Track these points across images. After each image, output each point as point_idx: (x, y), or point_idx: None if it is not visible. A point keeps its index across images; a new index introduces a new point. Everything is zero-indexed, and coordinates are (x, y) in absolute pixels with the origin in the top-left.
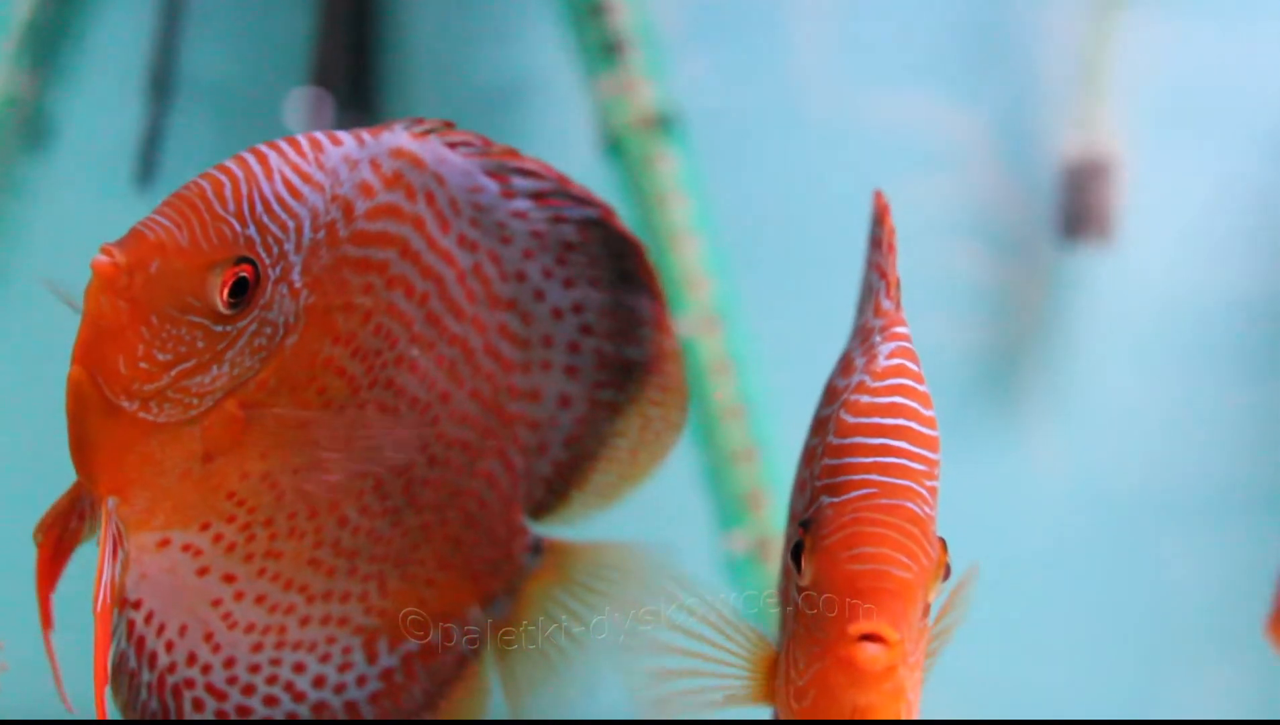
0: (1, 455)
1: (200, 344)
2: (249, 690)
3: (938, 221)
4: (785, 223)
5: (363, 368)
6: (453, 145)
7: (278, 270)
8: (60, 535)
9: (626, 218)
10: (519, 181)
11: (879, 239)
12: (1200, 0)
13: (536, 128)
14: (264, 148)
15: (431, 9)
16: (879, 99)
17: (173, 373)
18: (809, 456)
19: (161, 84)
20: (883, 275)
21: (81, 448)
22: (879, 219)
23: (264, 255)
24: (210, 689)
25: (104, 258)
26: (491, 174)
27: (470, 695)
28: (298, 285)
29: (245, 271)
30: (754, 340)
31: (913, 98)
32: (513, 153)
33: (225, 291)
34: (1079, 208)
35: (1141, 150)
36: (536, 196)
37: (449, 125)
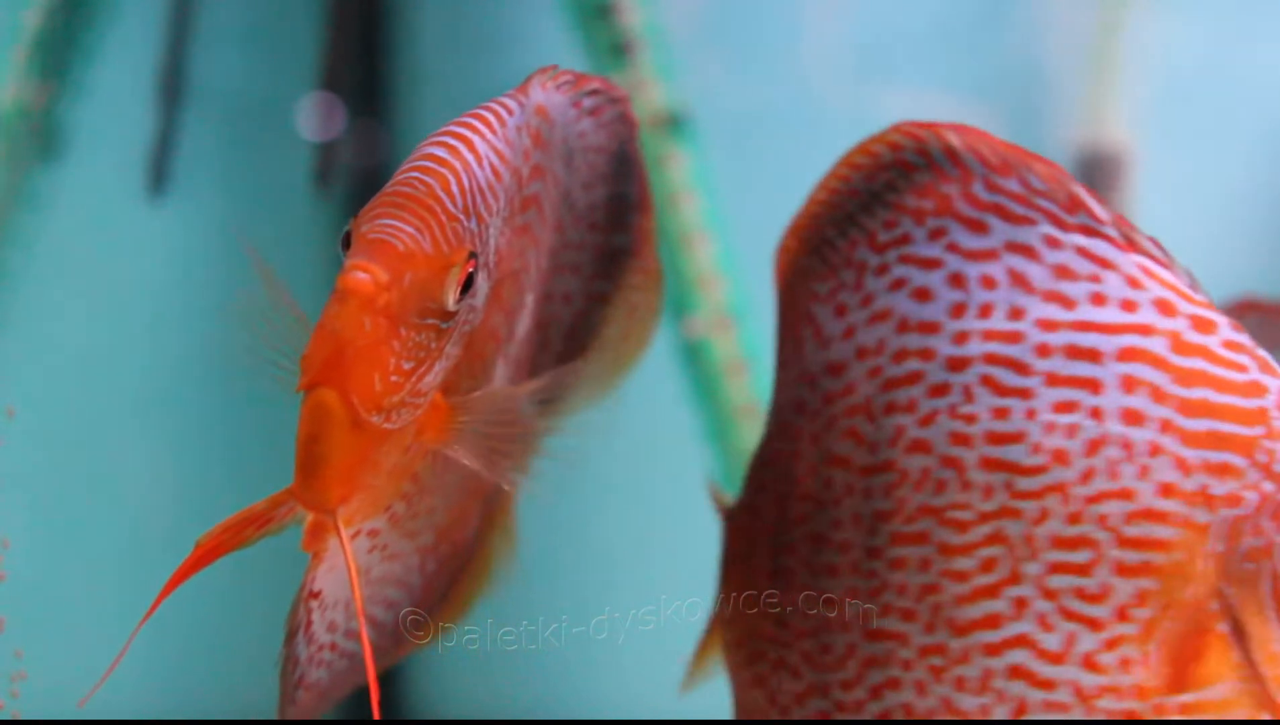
0: (15, 461)
1: (433, 345)
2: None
3: None
4: None
5: (507, 326)
6: (560, 86)
7: (484, 255)
8: (221, 544)
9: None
10: (586, 101)
11: None
12: None
13: None
14: (468, 131)
15: (440, 13)
16: (889, 96)
17: (412, 379)
18: None
19: (172, 91)
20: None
21: (319, 466)
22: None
23: (479, 245)
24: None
25: (364, 276)
26: (575, 105)
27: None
28: (491, 264)
29: (472, 266)
30: (768, 340)
31: (923, 94)
32: (585, 78)
33: (459, 290)
34: None
35: (1151, 142)
36: (593, 112)
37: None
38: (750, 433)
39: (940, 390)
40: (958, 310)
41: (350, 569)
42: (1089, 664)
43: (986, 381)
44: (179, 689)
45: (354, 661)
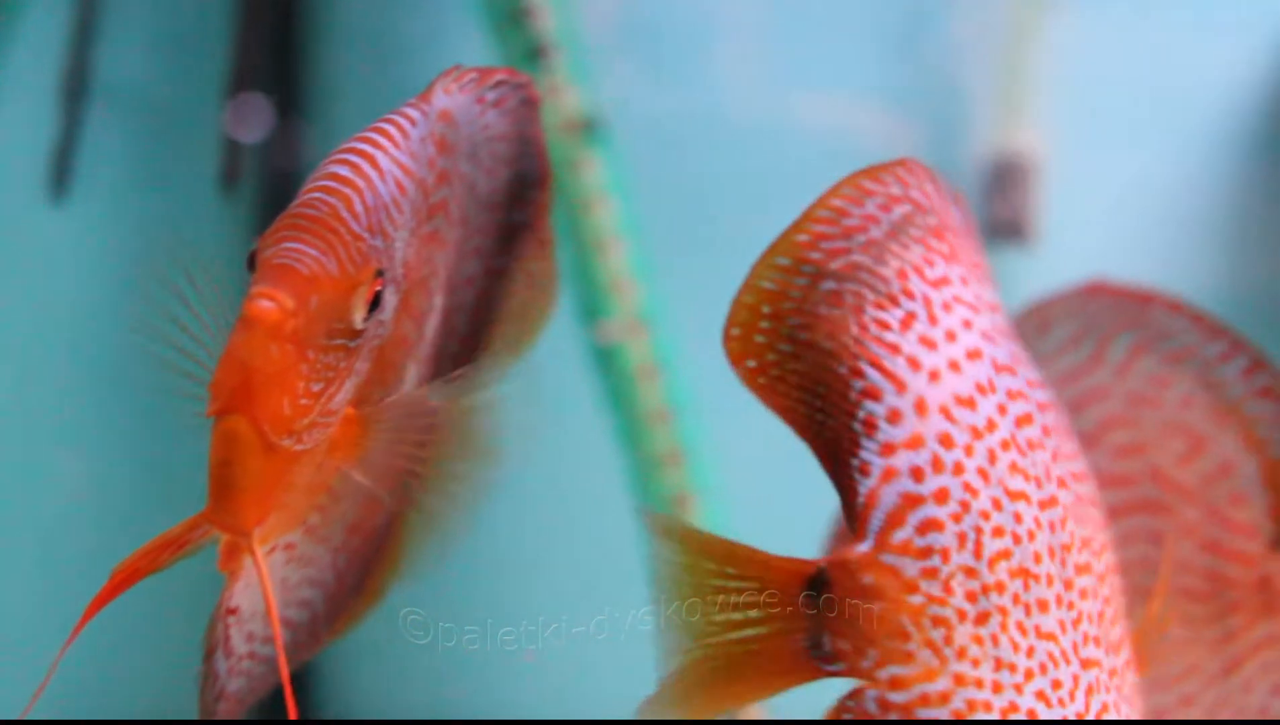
0: None
1: (342, 364)
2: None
3: None
4: (711, 226)
5: (416, 331)
6: (463, 86)
7: (391, 270)
8: (138, 569)
9: (551, 223)
10: (490, 95)
11: None
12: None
13: None
14: (371, 147)
15: (355, 16)
16: (804, 103)
17: (322, 400)
18: None
19: (76, 91)
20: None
21: (233, 491)
22: None
23: (385, 261)
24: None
25: (269, 304)
26: (479, 100)
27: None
28: (399, 277)
29: (379, 285)
30: (680, 344)
31: (838, 101)
32: (489, 72)
33: (366, 309)
34: (1000, 209)
35: (1062, 151)
36: (497, 103)
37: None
38: (663, 436)
39: (1049, 430)
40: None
41: (266, 588)
42: None
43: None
44: (93, 696)
45: (270, 665)
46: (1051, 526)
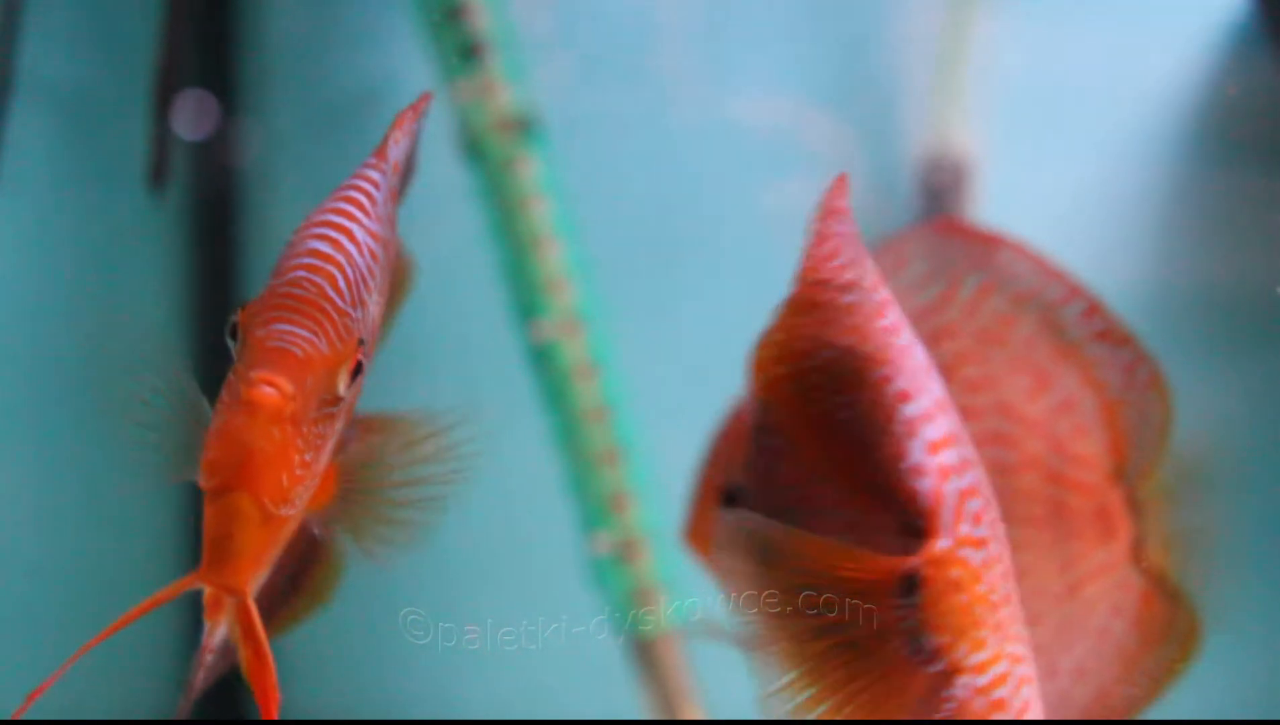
0: None
1: (327, 430)
2: None
3: (799, 222)
4: (648, 226)
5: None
6: (406, 131)
7: (367, 332)
8: (125, 620)
9: (487, 221)
10: (392, 149)
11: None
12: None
13: None
14: (347, 221)
15: (288, 11)
16: (742, 102)
17: (313, 468)
18: None
19: (0, 86)
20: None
21: (231, 558)
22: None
23: (363, 328)
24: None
25: (270, 390)
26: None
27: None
28: (373, 334)
29: (361, 354)
30: (617, 343)
31: (776, 101)
32: (399, 121)
33: (349, 378)
34: (934, 209)
35: (998, 151)
36: (414, 134)
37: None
38: (600, 435)
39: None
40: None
41: (260, 638)
42: None
43: None
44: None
45: (222, 657)
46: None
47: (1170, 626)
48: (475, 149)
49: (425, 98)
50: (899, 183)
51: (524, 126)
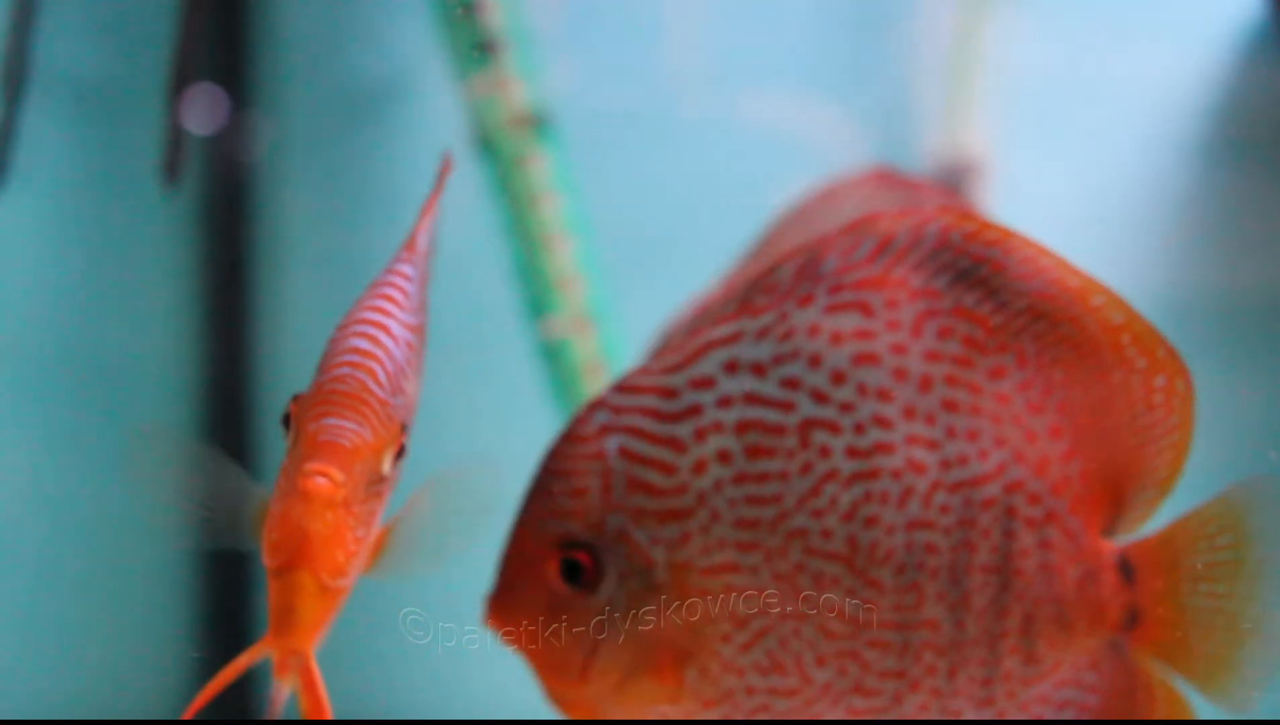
0: None
1: (376, 507)
2: None
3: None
4: (658, 223)
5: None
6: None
7: (407, 413)
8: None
9: (498, 218)
10: (421, 239)
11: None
12: (1068, 1)
13: (409, 126)
14: (383, 317)
15: (303, 8)
16: (753, 100)
17: (364, 542)
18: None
19: (14, 79)
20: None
21: (295, 627)
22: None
23: (405, 413)
24: None
25: (323, 481)
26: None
27: None
28: (412, 413)
29: (403, 436)
30: (626, 341)
31: (786, 99)
32: (426, 209)
33: (393, 459)
34: None
35: (1009, 151)
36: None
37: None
38: None
39: None
40: None
41: (320, 693)
42: None
43: None
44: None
45: None
46: None
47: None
48: (487, 145)
49: (447, 166)
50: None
51: (536, 123)
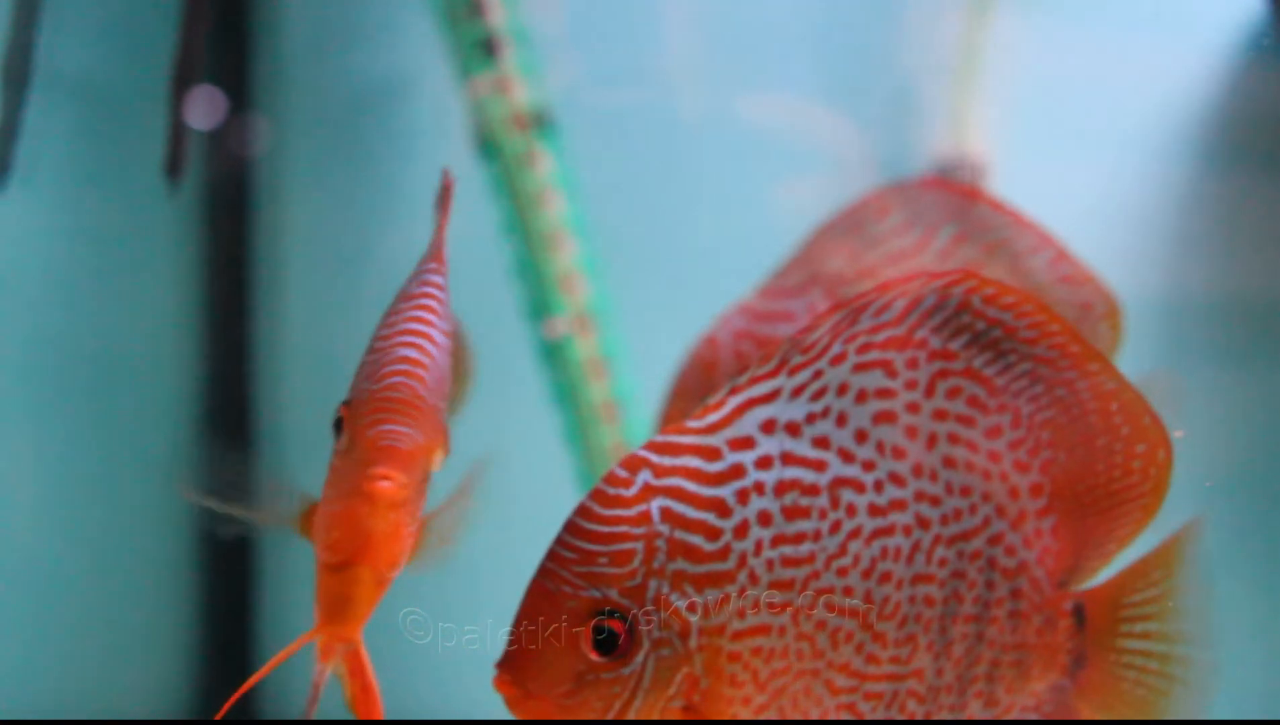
0: None
1: (423, 498)
2: None
3: (811, 221)
4: (660, 224)
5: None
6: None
7: (448, 418)
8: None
9: (500, 217)
10: (444, 248)
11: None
12: (1070, 1)
13: (411, 125)
14: (426, 327)
15: (306, 7)
16: (755, 100)
17: (416, 533)
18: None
19: (18, 77)
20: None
21: (351, 617)
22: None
23: (446, 416)
24: None
25: (388, 484)
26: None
27: None
28: (448, 424)
29: (447, 436)
30: (628, 340)
31: (788, 99)
32: (443, 218)
33: (442, 459)
34: None
35: (1012, 152)
36: None
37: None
38: (610, 431)
39: None
40: None
41: (369, 676)
42: None
43: None
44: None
45: None
46: None
47: None
48: (490, 145)
49: (448, 187)
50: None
51: (538, 123)
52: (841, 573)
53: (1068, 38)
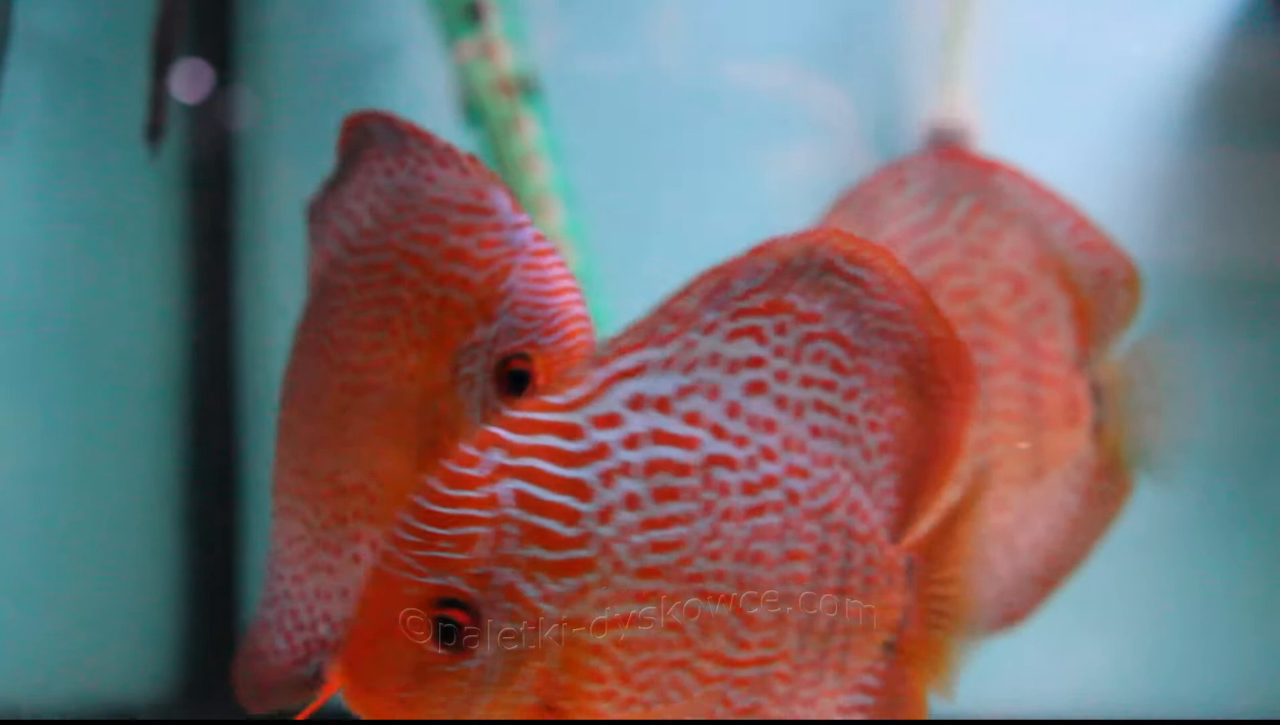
0: None
1: None
2: None
3: (799, 189)
4: (646, 190)
5: None
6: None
7: None
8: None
9: None
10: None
11: None
12: None
13: (397, 91)
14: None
15: None
16: (742, 67)
17: None
18: None
19: None
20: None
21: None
22: None
23: None
24: None
25: None
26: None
27: None
28: None
29: None
30: (614, 306)
31: (775, 66)
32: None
33: None
34: None
35: (998, 120)
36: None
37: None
38: None
39: None
40: None
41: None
42: None
43: None
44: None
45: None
46: None
47: (1111, 492)
48: (475, 110)
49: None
50: (901, 151)
51: (524, 88)
52: (714, 556)
53: (1057, 6)
